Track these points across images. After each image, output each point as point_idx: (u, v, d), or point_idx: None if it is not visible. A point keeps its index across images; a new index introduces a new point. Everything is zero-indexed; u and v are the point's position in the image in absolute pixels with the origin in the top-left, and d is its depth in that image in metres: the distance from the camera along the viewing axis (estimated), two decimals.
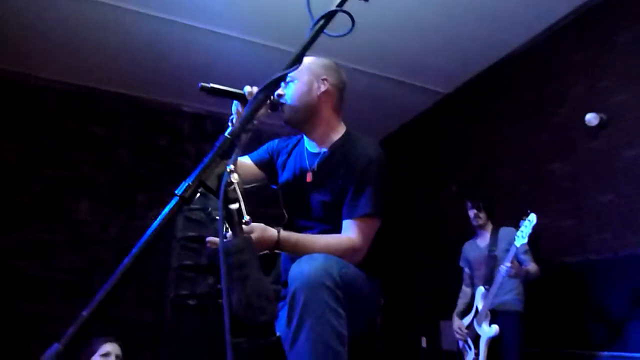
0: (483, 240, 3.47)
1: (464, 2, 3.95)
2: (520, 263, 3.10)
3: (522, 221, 3.04)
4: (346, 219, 1.51)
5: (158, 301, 4.18)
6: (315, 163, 1.62)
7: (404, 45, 4.54)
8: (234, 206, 0.84)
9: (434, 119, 5.72)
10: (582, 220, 3.77)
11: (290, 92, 1.60)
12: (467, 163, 5.10)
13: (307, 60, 1.64)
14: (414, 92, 5.36)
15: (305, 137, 1.69)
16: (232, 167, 0.85)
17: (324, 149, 1.63)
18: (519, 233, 3.00)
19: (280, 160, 1.73)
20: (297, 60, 0.99)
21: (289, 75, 1.48)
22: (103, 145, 5.14)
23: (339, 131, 1.66)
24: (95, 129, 5.16)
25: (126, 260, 0.74)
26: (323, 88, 1.63)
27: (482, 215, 3.49)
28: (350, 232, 1.48)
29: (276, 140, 1.79)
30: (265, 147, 1.77)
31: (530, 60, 4.53)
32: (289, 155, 1.70)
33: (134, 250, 0.75)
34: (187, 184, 0.82)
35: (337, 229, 1.52)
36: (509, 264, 2.95)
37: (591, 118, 3.71)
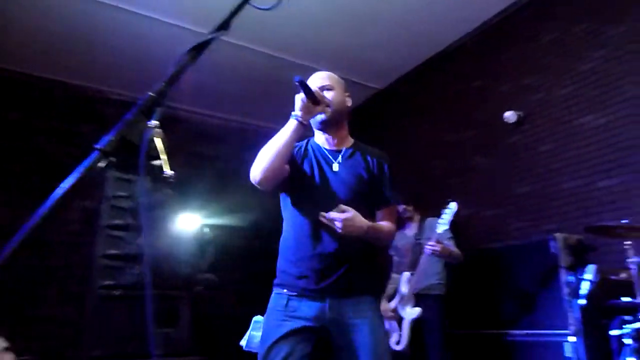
0: (411, 230, 3.63)
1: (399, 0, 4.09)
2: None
3: (443, 210, 3.20)
4: (383, 206, 1.91)
5: (81, 295, 3.99)
6: (340, 156, 1.90)
7: (340, 41, 4.61)
8: (157, 162, 0.83)
9: (369, 114, 5.86)
10: (503, 210, 4.04)
11: (331, 97, 1.87)
12: (401, 156, 5.26)
13: (338, 78, 1.99)
14: (350, 87, 5.43)
15: (318, 137, 1.96)
16: (155, 123, 0.84)
17: (343, 148, 1.94)
18: (440, 220, 3.16)
19: (299, 157, 1.89)
20: (223, 27, 1.01)
21: (327, 83, 1.89)
22: (18, 133, 4.79)
23: (349, 137, 2.02)
24: (11, 115, 4.80)
25: (44, 207, 0.71)
26: (349, 103, 2.00)
27: (410, 208, 3.66)
28: (390, 218, 1.90)
29: None
30: None
31: (459, 58, 4.76)
32: (306, 153, 1.90)
33: (52, 199, 0.72)
34: (108, 139, 0.80)
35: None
36: (432, 243, 3.10)
37: (509, 115, 3.97)
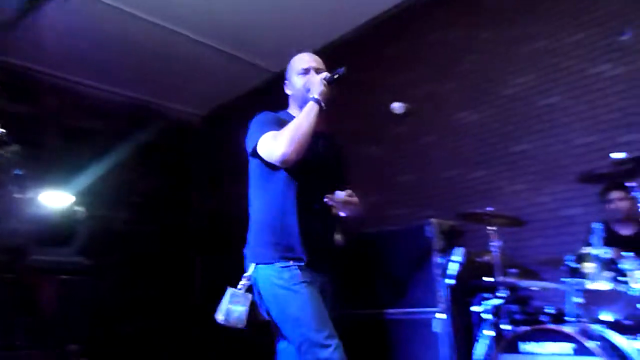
0: None
1: None
2: None
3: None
4: (345, 184, 1.93)
5: None
6: (318, 138, 1.95)
7: (237, 19, 4.50)
8: None
9: (263, 98, 5.78)
10: (386, 197, 4.24)
11: None
12: None
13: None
14: (245, 68, 5.35)
15: (296, 113, 1.97)
16: None
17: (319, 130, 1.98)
18: None
19: None
20: None
21: (322, 67, 2.02)
22: None
23: None
24: None
25: None
26: None
27: None
28: None
29: (272, 113, 2.01)
30: (273, 120, 1.94)
31: (350, 49, 4.86)
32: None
33: None
34: None
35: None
36: None
37: (397, 107, 4.15)
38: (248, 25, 4.61)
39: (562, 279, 2.39)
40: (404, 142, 4.26)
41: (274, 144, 1.78)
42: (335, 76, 1.90)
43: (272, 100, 6.10)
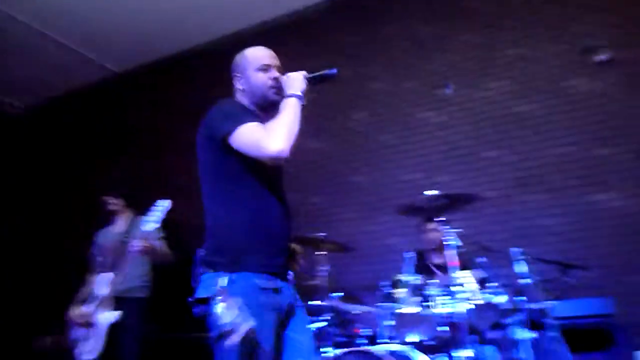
0: (117, 227, 3.34)
1: None
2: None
3: (152, 207, 3.06)
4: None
5: None
6: None
7: (85, 13, 4.18)
8: None
9: (101, 96, 5.31)
10: None
11: None
12: (125, 150, 4.92)
13: None
14: (86, 65, 4.88)
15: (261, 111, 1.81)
16: None
17: None
18: (147, 218, 2.99)
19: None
20: None
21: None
22: None
23: None
24: None
25: None
26: None
27: (116, 201, 3.37)
28: None
29: (238, 102, 1.83)
30: (245, 109, 1.76)
31: (204, 60, 4.73)
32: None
33: None
34: None
35: None
36: (137, 241, 2.94)
37: None
38: (96, 20, 4.28)
39: (378, 303, 2.54)
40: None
41: (265, 138, 1.56)
42: (322, 76, 1.76)
43: (109, 99, 5.68)
